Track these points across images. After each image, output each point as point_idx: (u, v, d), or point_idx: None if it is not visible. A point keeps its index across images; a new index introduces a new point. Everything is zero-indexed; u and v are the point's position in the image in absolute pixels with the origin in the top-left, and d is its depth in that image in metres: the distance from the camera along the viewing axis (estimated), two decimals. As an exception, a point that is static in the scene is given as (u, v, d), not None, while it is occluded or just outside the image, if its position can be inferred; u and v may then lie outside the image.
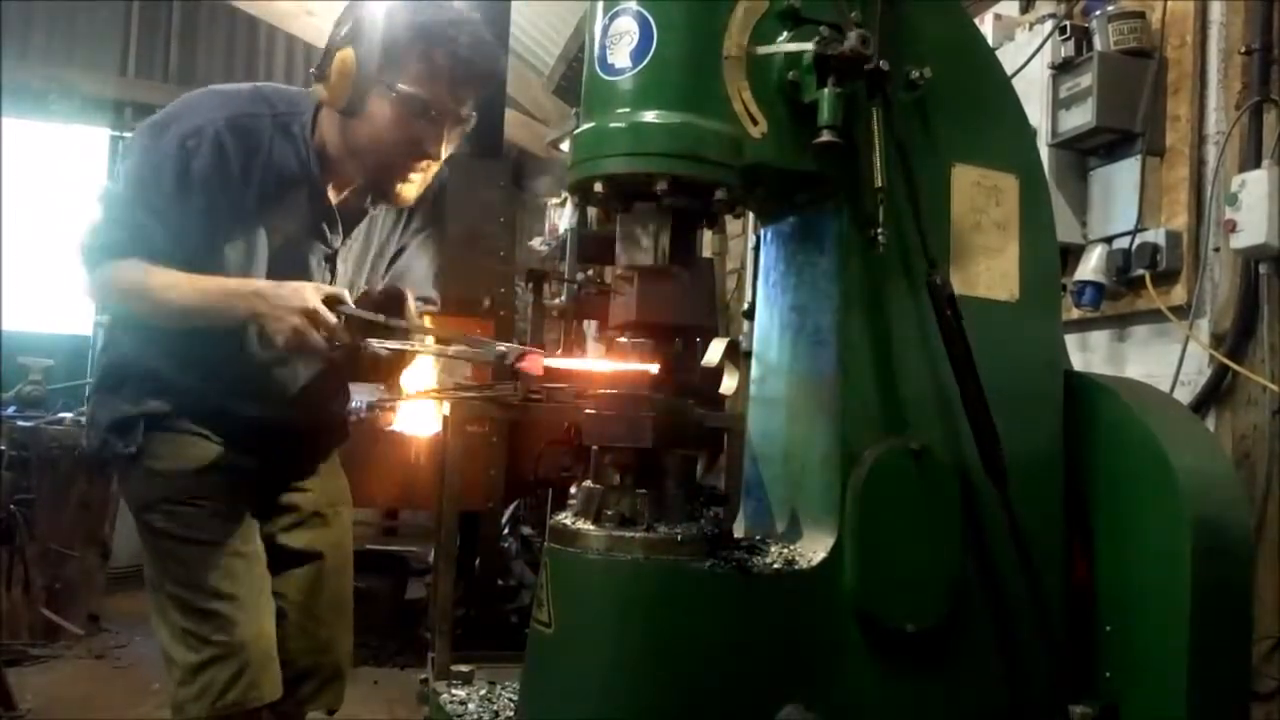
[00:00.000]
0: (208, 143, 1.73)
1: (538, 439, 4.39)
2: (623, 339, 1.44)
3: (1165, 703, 1.38)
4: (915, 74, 1.38)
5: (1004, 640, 1.43)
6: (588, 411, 1.42)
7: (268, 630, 1.81)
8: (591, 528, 1.33)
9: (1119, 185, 2.72)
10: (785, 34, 1.32)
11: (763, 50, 1.31)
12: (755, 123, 1.31)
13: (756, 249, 1.65)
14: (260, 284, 1.73)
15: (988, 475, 1.37)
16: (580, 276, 5.09)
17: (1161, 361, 2.66)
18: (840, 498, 1.35)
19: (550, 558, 1.36)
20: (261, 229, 1.81)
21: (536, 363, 1.61)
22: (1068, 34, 2.71)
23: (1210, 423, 2.52)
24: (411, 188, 1.84)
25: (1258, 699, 2.25)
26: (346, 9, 1.79)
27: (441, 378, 3.78)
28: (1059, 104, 2.74)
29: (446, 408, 3.69)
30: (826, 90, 1.27)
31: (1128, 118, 2.66)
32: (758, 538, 1.46)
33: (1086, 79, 2.66)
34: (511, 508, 5.01)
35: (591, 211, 1.28)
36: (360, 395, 3.87)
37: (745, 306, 1.70)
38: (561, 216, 5.62)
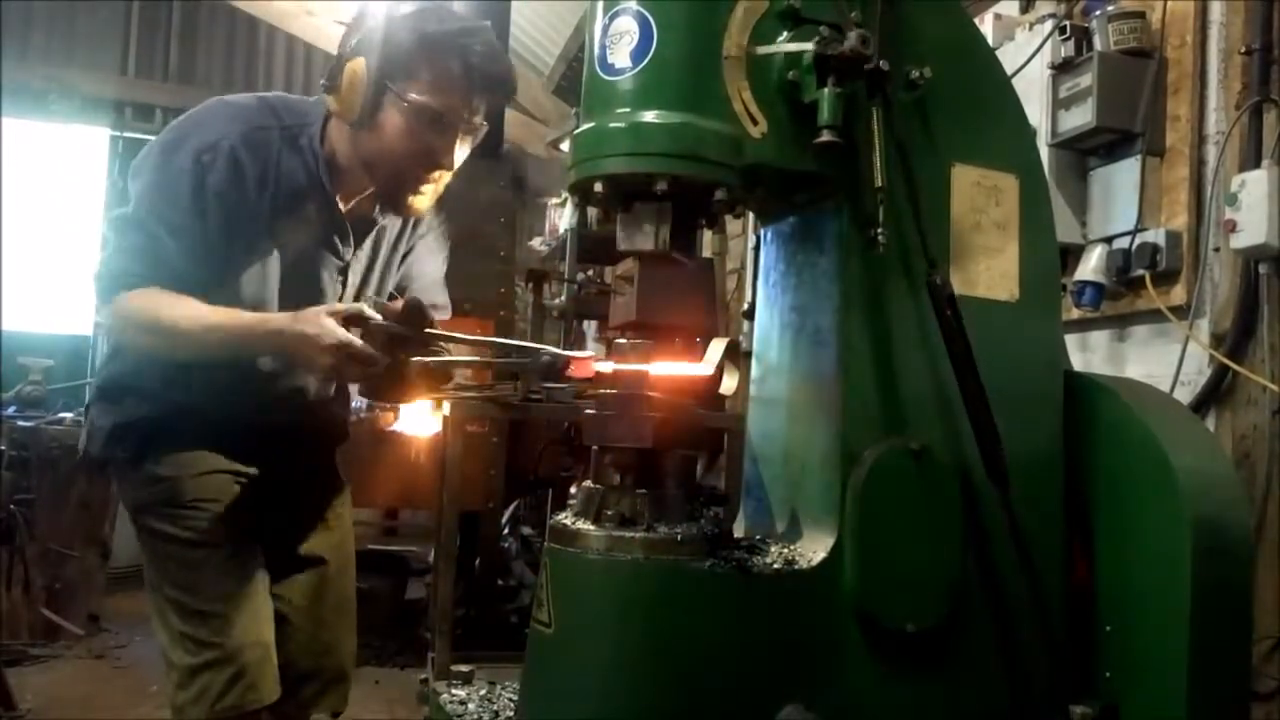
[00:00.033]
0: (223, 157, 1.72)
1: (538, 439, 4.39)
2: (622, 340, 1.44)
3: (1165, 703, 1.38)
4: (915, 74, 1.38)
5: (1004, 640, 1.43)
6: (588, 411, 1.42)
7: (266, 633, 1.81)
8: (591, 528, 1.32)
9: (1119, 185, 2.72)
10: (785, 34, 1.32)
11: (763, 50, 1.31)
12: (755, 123, 1.31)
13: (756, 249, 1.65)
14: (277, 321, 1.70)
15: (988, 475, 1.37)
16: (580, 276, 5.10)
17: (1161, 361, 2.66)
18: (840, 498, 1.35)
19: (550, 558, 1.36)
20: (275, 243, 1.80)
21: (586, 367, 1.59)
22: (1068, 34, 2.71)
23: (1210, 423, 2.52)
24: (424, 198, 1.83)
25: (1258, 699, 2.25)
26: (355, 19, 1.78)
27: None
28: (1059, 104, 2.74)
29: (446, 408, 3.69)
30: (826, 90, 1.27)
31: (1128, 118, 2.66)
32: (758, 538, 1.46)
33: (1086, 79, 2.66)
34: (511, 508, 5.01)
35: (591, 211, 1.27)
36: (360, 395, 3.86)
37: (745, 306, 1.70)
38: (561, 216, 5.63)
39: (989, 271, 1.47)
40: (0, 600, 4.47)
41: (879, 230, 1.31)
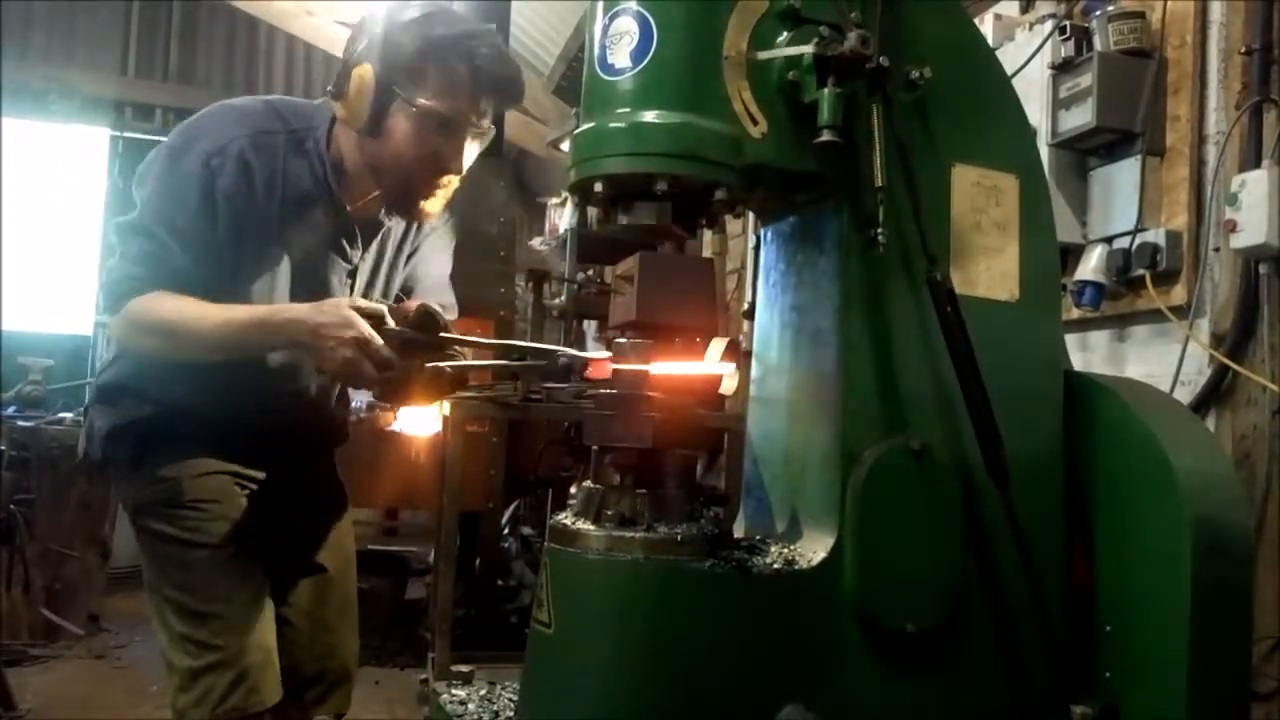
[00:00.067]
0: (232, 161, 1.71)
1: (538, 439, 4.40)
2: (622, 339, 1.43)
3: (1165, 703, 1.38)
4: (915, 74, 1.38)
5: (1004, 640, 1.43)
6: (588, 411, 1.42)
7: (268, 635, 1.80)
8: (591, 528, 1.32)
9: (1119, 185, 2.72)
10: (785, 34, 1.32)
11: (763, 56, 1.30)
12: (755, 123, 1.31)
13: (756, 249, 1.65)
14: (295, 310, 1.66)
15: (989, 474, 1.36)
16: (580, 276, 5.10)
17: (1161, 361, 2.66)
18: (840, 498, 1.35)
19: (550, 558, 1.36)
20: (284, 248, 1.80)
21: (603, 368, 1.58)
22: (1068, 34, 2.71)
23: (1210, 423, 2.52)
24: (435, 203, 1.82)
25: (1258, 699, 2.25)
26: (360, 24, 1.77)
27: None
28: (1059, 104, 2.74)
29: (446, 408, 3.69)
30: (826, 90, 1.27)
31: (1128, 118, 2.66)
32: (758, 538, 1.46)
33: (1086, 79, 2.66)
34: (511, 508, 5.01)
35: (591, 211, 1.27)
36: (360, 396, 3.87)
37: (745, 306, 1.70)
38: (561, 216, 5.63)
39: (989, 271, 1.47)
40: (0, 600, 4.47)
41: (879, 230, 1.31)
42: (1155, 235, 2.62)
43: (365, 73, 1.71)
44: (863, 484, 1.34)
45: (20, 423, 4.73)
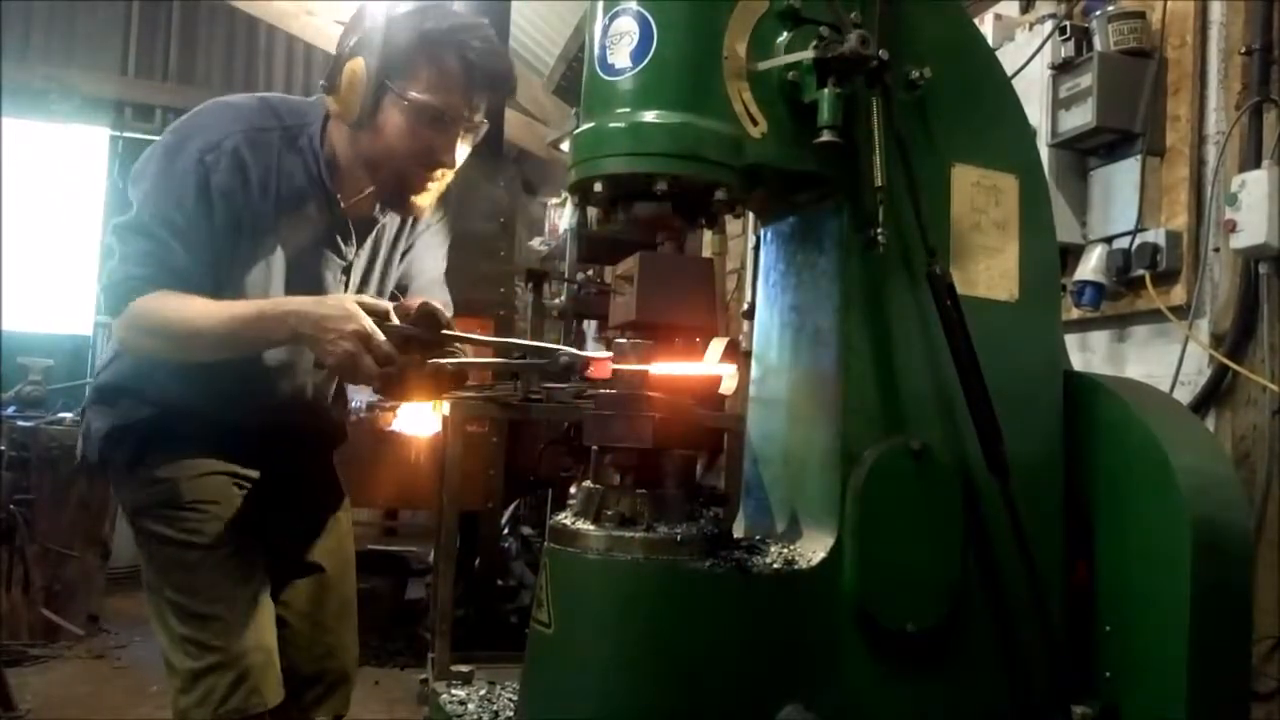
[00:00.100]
0: (226, 157, 1.71)
1: (538, 439, 4.40)
2: (622, 339, 1.43)
3: (1165, 703, 1.38)
4: (915, 74, 1.38)
5: (1004, 640, 1.43)
6: (588, 411, 1.42)
7: (268, 636, 1.80)
8: (591, 528, 1.32)
9: (1119, 185, 2.72)
10: (785, 34, 1.32)
11: (763, 66, 1.30)
12: (755, 123, 1.31)
13: (756, 249, 1.65)
14: (298, 303, 1.66)
15: (989, 468, 1.36)
16: (580, 276, 5.10)
17: (1161, 361, 2.66)
18: (840, 498, 1.35)
19: (550, 558, 1.36)
20: (278, 244, 1.79)
21: (604, 368, 1.58)
22: (1068, 34, 2.71)
23: (1210, 423, 2.52)
24: (427, 197, 1.82)
25: (1258, 699, 2.25)
26: (353, 19, 1.77)
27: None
28: (1059, 104, 2.74)
29: (446, 408, 3.69)
30: (826, 90, 1.27)
31: (1128, 118, 2.66)
32: (758, 538, 1.46)
33: (1086, 79, 2.66)
34: (511, 508, 5.01)
35: (591, 211, 1.27)
36: (359, 395, 3.87)
37: (745, 306, 1.70)
38: (561, 216, 5.63)
39: (989, 271, 1.47)
40: (0, 600, 4.47)
41: (879, 230, 1.31)
42: (1155, 235, 2.62)
43: (357, 66, 1.71)
44: (863, 484, 1.34)
45: (20, 423, 4.73)
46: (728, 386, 1.44)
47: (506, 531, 4.96)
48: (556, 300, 4.95)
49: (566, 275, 5.03)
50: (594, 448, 1.42)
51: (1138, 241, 2.63)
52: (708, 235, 5.16)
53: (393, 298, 1.99)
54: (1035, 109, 2.69)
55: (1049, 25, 2.78)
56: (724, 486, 3.84)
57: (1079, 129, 2.69)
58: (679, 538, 1.29)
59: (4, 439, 4.55)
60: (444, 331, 1.67)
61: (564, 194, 5.05)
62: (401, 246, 2.03)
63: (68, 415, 4.84)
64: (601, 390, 1.45)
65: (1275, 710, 2.28)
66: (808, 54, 1.28)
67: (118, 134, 7.40)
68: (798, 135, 1.32)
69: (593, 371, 1.58)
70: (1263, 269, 2.41)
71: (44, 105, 7.15)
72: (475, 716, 1.50)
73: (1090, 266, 2.73)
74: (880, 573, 1.35)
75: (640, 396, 1.36)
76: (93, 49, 7.51)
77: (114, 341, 1.85)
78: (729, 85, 1.30)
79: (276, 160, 1.77)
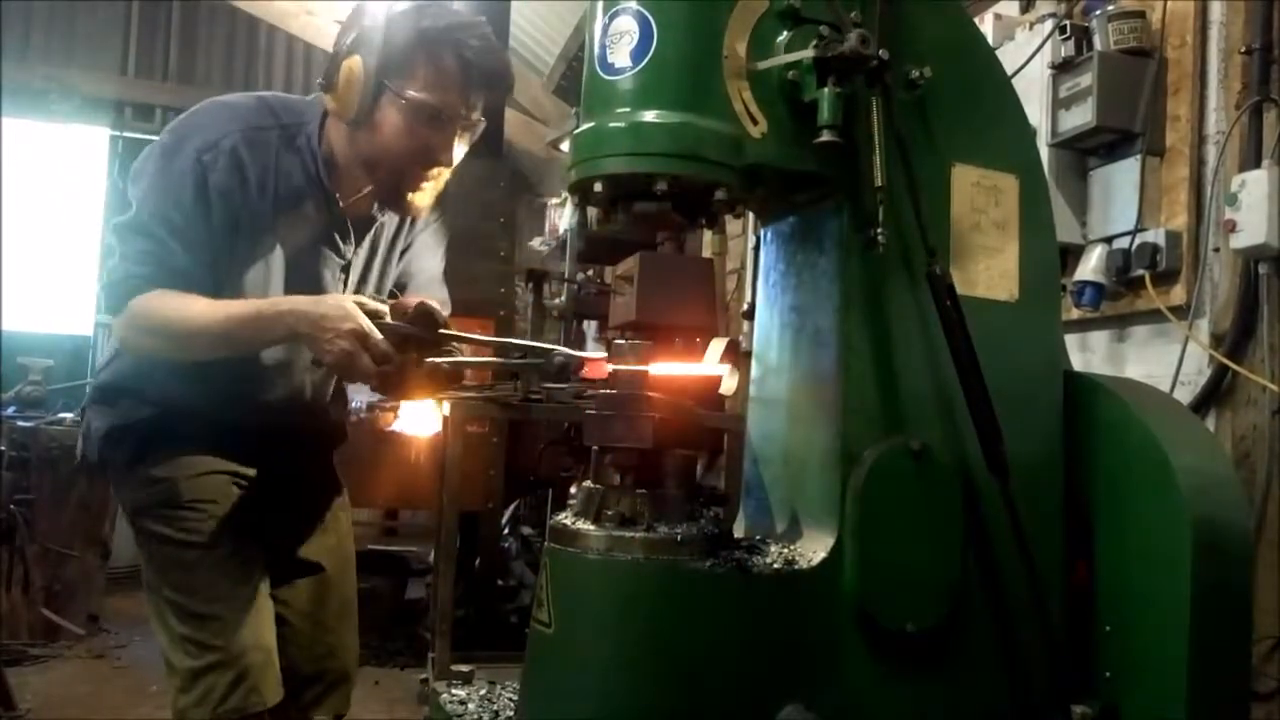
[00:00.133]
0: (224, 156, 1.71)
1: (538, 439, 4.40)
2: (622, 339, 1.43)
3: (1165, 703, 1.38)
4: (915, 74, 1.38)
5: (1004, 640, 1.43)
6: (588, 411, 1.42)
7: (268, 635, 1.80)
8: (591, 528, 1.32)
9: (1119, 185, 2.72)
10: (785, 33, 1.32)
11: (763, 65, 1.30)
12: (755, 122, 1.31)
13: (756, 249, 1.64)
14: (296, 302, 1.67)
15: (989, 469, 1.36)
16: (580, 276, 5.10)
17: (1161, 361, 2.66)
18: (840, 498, 1.35)
19: (550, 558, 1.36)
20: (277, 243, 1.80)
21: (600, 368, 1.58)
22: (1068, 34, 2.71)
23: (1210, 423, 2.52)
24: (424, 195, 1.82)
25: (1258, 699, 2.25)
26: (351, 17, 1.77)
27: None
28: (1059, 104, 2.74)
29: (446, 408, 3.69)
30: (826, 90, 1.27)
31: (1128, 118, 2.66)
32: (758, 538, 1.46)
33: (1086, 79, 2.66)
34: (511, 508, 5.01)
35: (591, 211, 1.27)
36: (359, 396, 3.88)
37: (745, 306, 1.70)
38: (561, 216, 5.63)
39: (989, 271, 1.47)
40: (0, 600, 4.47)
41: (879, 230, 1.31)
42: (1155, 235, 2.62)
43: (354, 65, 1.71)
44: (863, 484, 1.34)
45: (20, 423, 4.73)
46: (728, 386, 1.45)
47: (506, 531, 4.96)
48: (556, 300, 4.94)
49: (566, 275, 5.03)
50: (594, 448, 1.42)
51: (1138, 241, 2.63)
52: (708, 235, 5.16)
53: (391, 296, 1.99)
54: (1035, 109, 2.69)
55: (1049, 25, 2.78)
56: (724, 486, 3.84)
57: (1079, 129, 2.69)
58: (679, 538, 1.29)
59: (4, 439, 4.55)
60: (441, 331, 1.67)
61: (564, 194, 5.05)
62: (400, 245, 2.03)
63: (68, 415, 4.85)
64: (602, 390, 1.44)
65: (1275, 710, 2.28)
66: (808, 53, 1.28)
67: (118, 134, 7.39)
68: (798, 135, 1.31)
69: (587, 372, 1.58)
70: (1263, 269, 2.41)
71: (44, 105, 7.15)
72: (475, 716, 1.50)
73: (1090, 266, 2.73)
74: (880, 573, 1.35)
75: (640, 397, 1.36)
76: (93, 49, 7.51)
77: (114, 340, 1.85)
78: (729, 85, 1.30)
79: (274, 159, 1.77)
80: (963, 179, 1.45)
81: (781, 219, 1.56)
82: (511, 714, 1.50)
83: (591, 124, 1.32)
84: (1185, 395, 2.54)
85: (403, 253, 2.04)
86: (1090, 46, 2.69)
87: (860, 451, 1.36)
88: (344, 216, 1.87)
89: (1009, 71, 1.65)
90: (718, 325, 4.38)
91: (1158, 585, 1.40)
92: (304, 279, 1.82)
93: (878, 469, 1.34)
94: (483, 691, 1.60)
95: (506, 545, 4.90)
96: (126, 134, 7.34)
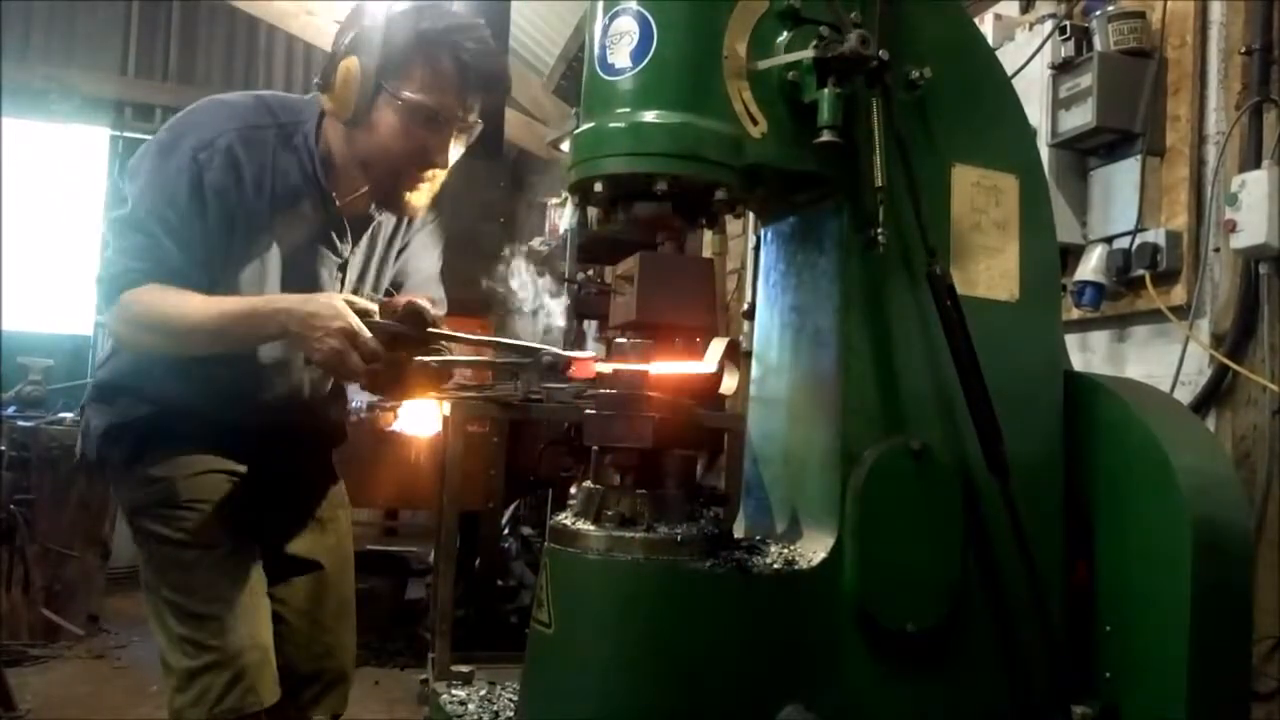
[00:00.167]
0: (220, 154, 1.72)
1: (538, 439, 4.40)
2: (622, 339, 1.43)
3: (1165, 703, 1.38)
4: (915, 74, 1.38)
5: (1004, 640, 1.43)
6: (588, 411, 1.42)
7: (265, 635, 1.80)
8: (591, 528, 1.32)
9: (1119, 185, 2.72)
10: (785, 34, 1.32)
11: (763, 65, 1.30)
12: (755, 123, 1.31)
13: (756, 249, 1.64)
14: (286, 300, 1.68)
15: (989, 469, 1.36)
16: (580, 276, 5.10)
17: (1161, 361, 2.66)
18: (840, 498, 1.35)
19: (550, 558, 1.36)
20: (274, 241, 1.80)
21: (587, 367, 1.58)
22: (1068, 34, 2.71)
23: (1210, 423, 2.52)
24: (421, 196, 1.82)
25: (1258, 699, 2.25)
26: (349, 17, 1.77)
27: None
28: (1059, 104, 2.74)
29: (446, 408, 3.69)
30: (826, 90, 1.27)
31: (1128, 118, 2.66)
32: (758, 538, 1.46)
33: (1086, 79, 2.66)
34: (511, 508, 5.01)
35: (591, 211, 1.27)
36: (359, 396, 3.88)
37: (745, 306, 1.70)
38: (561, 216, 5.63)
39: (989, 271, 1.47)
40: (0, 600, 4.47)
41: (879, 230, 1.31)
42: (1155, 235, 2.62)
43: (351, 65, 1.71)
44: (863, 484, 1.34)
45: (20, 423, 4.73)
46: (728, 386, 1.44)
47: (506, 531, 4.95)
48: (556, 300, 4.94)
49: (566, 275, 5.03)
50: (594, 448, 1.42)
51: (1138, 241, 2.63)
52: (708, 235, 5.16)
53: (387, 294, 1.99)
54: (1035, 109, 2.69)
55: (1049, 25, 2.78)
56: (724, 486, 3.84)
57: (1079, 129, 2.69)
58: (679, 538, 1.29)
59: (4, 439, 4.55)
60: (429, 329, 1.68)
61: (564, 194, 5.05)
62: (398, 244, 2.03)
63: (68, 415, 4.85)
64: (602, 390, 1.45)
65: (1275, 710, 2.28)
66: (808, 54, 1.28)
67: (118, 134, 7.40)
68: (798, 135, 1.31)
69: (574, 371, 1.59)
70: (1263, 269, 2.41)
71: (44, 105, 7.16)
72: (475, 716, 1.50)
73: (1090, 266, 2.73)
74: (880, 573, 1.35)
75: (640, 397, 1.36)
76: (93, 49, 7.51)
77: (111, 336, 1.85)
78: (729, 85, 1.30)
79: (271, 158, 1.77)
80: (963, 179, 1.45)
81: (781, 219, 1.56)
82: (511, 714, 1.50)
83: (591, 124, 1.32)
84: (1185, 395, 2.54)
85: (399, 252, 2.04)
86: (1090, 47, 2.69)
87: (860, 451, 1.36)
88: (341, 215, 1.87)
89: (1009, 72, 1.66)
90: (718, 325, 4.38)
91: (1158, 585, 1.40)
92: (301, 277, 1.83)
93: (878, 469, 1.34)
94: (483, 691, 1.60)
95: (506, 545, 4.90)
96: (126, 134, 7.34)
